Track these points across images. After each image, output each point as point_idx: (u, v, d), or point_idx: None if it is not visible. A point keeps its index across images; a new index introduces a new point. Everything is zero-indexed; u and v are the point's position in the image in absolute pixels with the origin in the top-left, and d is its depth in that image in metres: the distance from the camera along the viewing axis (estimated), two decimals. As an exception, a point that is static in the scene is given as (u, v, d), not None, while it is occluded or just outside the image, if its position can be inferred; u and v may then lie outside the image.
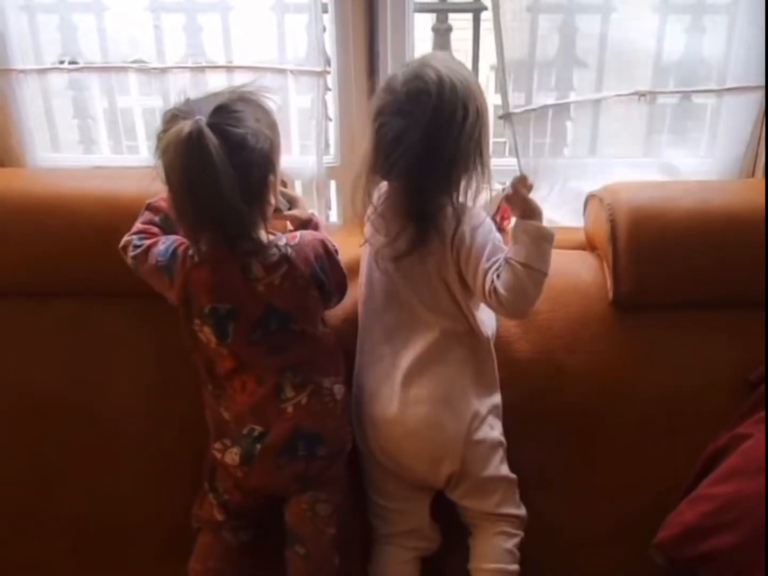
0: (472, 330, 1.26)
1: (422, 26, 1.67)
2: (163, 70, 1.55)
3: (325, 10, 1.54)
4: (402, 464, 1.26)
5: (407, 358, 1.25)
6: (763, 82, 1.50)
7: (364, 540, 1.33)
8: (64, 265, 1.38)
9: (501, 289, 1.16)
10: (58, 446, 1.40)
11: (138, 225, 1.27)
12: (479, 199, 1.24)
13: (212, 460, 1.26)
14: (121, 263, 1.28)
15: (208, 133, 1.04)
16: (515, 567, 1.25)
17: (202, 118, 1.06)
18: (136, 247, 1.24)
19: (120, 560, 1.40)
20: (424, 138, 1.15)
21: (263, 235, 1.18)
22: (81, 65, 1.56)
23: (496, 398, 1.29)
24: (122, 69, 1.56)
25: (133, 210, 1.32)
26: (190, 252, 1.18)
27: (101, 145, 1.66)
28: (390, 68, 1.57)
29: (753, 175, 1.58)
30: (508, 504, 1.27)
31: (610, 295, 1.38)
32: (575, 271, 1.43)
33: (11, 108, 1.57)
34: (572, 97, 1.56)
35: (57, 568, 1.41)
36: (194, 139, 1.04)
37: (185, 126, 1.05)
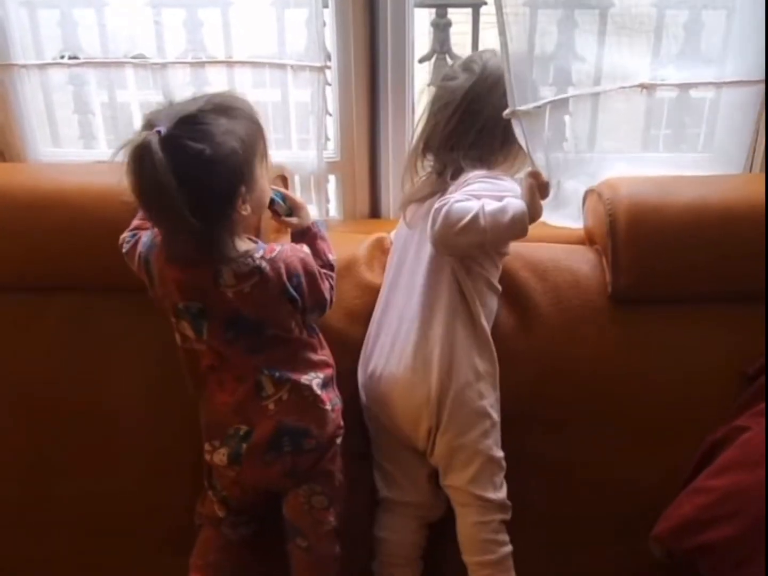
0: (460, 288, 1.28)
1: (421, 21, 1.67)
2: (163, 65, 1.55)
3: (325, 5, 1.54)
4: (390, 417, 1.29)
5: (406, 302, 1.29)
6: (761, 76, 1.50)
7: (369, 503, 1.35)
8: (66, 260, 1.39)
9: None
10: (58, 441, 1.40)
11: (134, 222, 1.28)
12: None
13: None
14: (123, 258, 1.29)
15: (155, 148, 1.02)
16: (502, 552, 1.25)
17: (160, 130, 1.04)
18: (128, 243, 1.25)
19: (120, 557, 1.40)
20: (466, 98, 1.29)
21: (230, 247, 1.15)
22: (81, 60, 1.55)
23: (490, 367, 1.28)
24: (122, 64, 1.56)
25: (135, 205, 1.33)
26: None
27: (101, 140, 1.67)
28: (390, 63, 1.58)
29: (751, 169, 1.58)
30: (484, 484, 1.25)
31: (609, 289, 1.39)
32: (574, 266, 1.43)
33: (12, 103, 1.57)
34: (570, 92, 1.56)
35: (57, 565, 1.41)
36: (138, 153, 1.03)
37: (137, 138, 1.04)
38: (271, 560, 1.30)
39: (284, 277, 1.18)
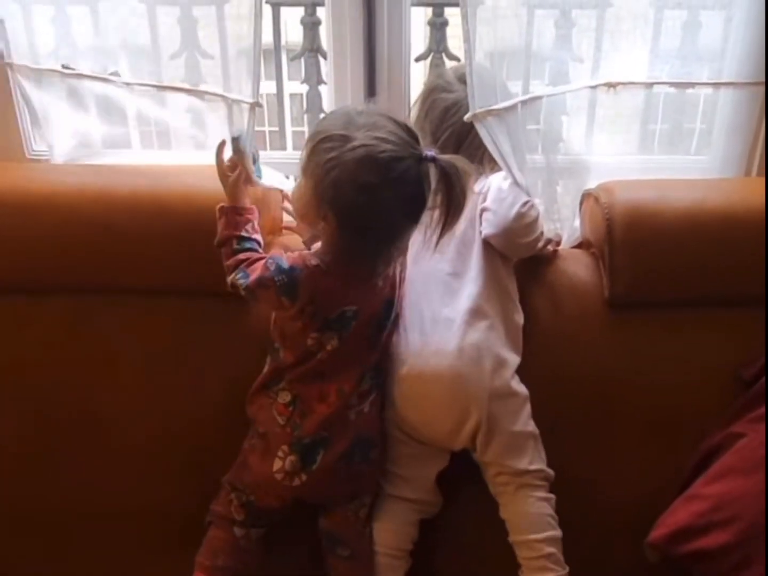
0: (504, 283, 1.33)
1: (417, 20, 1.66)
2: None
3: (321, 3, 1.53)
4: (430, 416, 1.27)
5: (438, 297, 1.29)
6: (761, 78, 1.49)
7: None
8: (61, 262, 1.37)
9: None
10: (55, 442, 1.39)
11: (230, 262, 1.24)
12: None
13: (245, 464, 1.27)
14: (118, 259, 1.29)
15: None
16: (560, 531, 1.27)
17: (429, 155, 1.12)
18: (244, 279, 1.20)
19: (126, 554, 1.41)
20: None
21: None
22: (76, 72, 1.53)
23: (518, 356, 1.31)
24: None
25: (130, 206, 1.34)
26: (313, 262, 1.18)
27: (97, 137, 1.64)
28: (387, 62, 1.57)
29: (750, 173, 1.58)
30: (537, 461, 1.28)
31: (606, 293, 1.39)
32: (571, 270, 1.43)
33: (7, 102, 1.55)
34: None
35: (61, 563, 1.41)
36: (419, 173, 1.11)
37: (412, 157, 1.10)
38: (277, 561, 1.32)
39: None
